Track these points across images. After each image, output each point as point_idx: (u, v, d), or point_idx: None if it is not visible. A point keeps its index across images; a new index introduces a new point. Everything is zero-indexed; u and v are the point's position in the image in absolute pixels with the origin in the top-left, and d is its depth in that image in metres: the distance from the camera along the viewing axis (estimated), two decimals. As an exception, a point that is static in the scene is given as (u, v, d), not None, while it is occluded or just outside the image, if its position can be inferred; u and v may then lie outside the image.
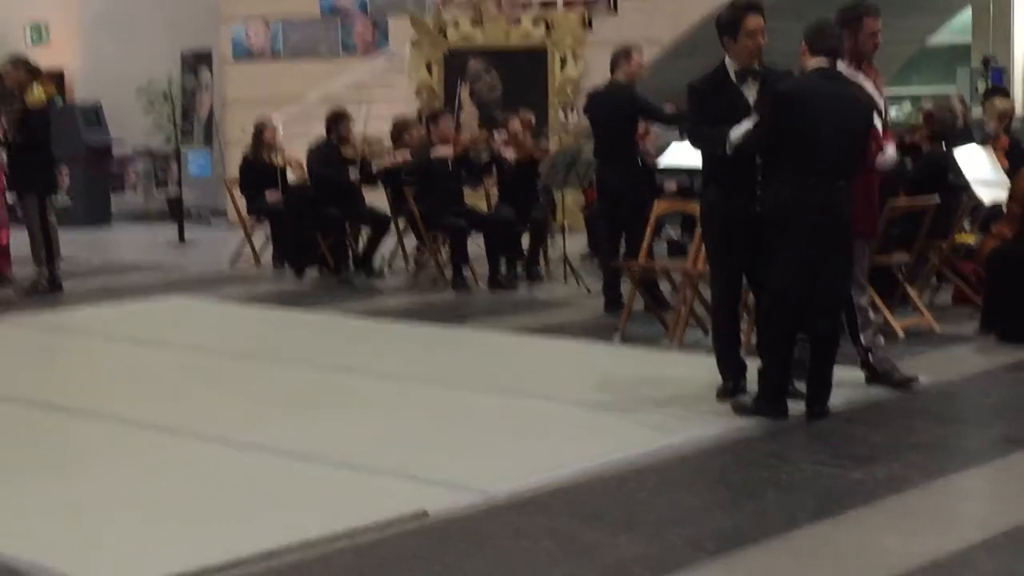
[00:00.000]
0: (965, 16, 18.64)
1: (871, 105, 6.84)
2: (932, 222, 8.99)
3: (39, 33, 20.38)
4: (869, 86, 7.00)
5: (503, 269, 11.56)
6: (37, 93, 11.58)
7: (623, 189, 9.99)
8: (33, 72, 11.74)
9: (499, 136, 11.99)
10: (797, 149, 6.46)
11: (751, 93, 6.86)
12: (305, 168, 12.70)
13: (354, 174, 12.17)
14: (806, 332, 6.68)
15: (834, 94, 6.58)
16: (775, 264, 6.56)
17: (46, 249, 11.57)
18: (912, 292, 9.00)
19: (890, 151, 7.41)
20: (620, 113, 10.08)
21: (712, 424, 6.49)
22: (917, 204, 8.92)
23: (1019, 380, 7.38)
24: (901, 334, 8.52)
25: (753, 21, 6.88)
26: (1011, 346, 8.15)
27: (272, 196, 13.00)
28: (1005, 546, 4.71)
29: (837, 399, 6.68)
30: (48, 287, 11.54)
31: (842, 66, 6.84)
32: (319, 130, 12.75)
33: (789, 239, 6.47)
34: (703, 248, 8.60)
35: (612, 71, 10.22)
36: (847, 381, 7.04)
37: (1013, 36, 17.81)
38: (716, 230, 6.96)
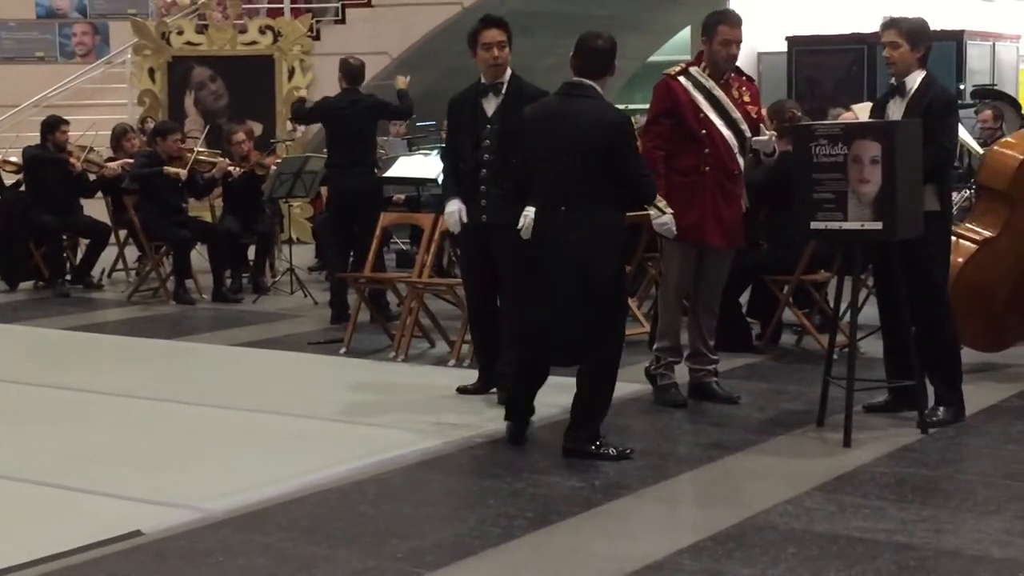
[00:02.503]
0: (684, 35, 19.34)
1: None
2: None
3: None
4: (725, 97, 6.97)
5: (228, 281, 11.36)
6: None
7: (359, 198, 9.93)
8: None
9: (224, 160, 11.72)
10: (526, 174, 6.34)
11: (491, 107, 7.00)
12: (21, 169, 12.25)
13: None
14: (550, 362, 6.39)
15: (556, 115, 6.24)
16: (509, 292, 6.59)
17: None
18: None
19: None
20: (360, 120, 10.04)
21: (435, 435, 6.49)
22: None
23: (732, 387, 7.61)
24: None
25: (489, 34, 7.01)
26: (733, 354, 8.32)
27: None
28: (712, 548, 4.86)
29: (555, 409, 6.76)
30: None
31: (697, 73, 6.93)
32: (34, 136, 12.29)
33: (514, 267, 6.48)
34: (429, 260, 8.69)
35: (351, 81, 10.16)
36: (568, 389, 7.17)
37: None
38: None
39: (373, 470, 5.91)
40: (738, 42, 7.03)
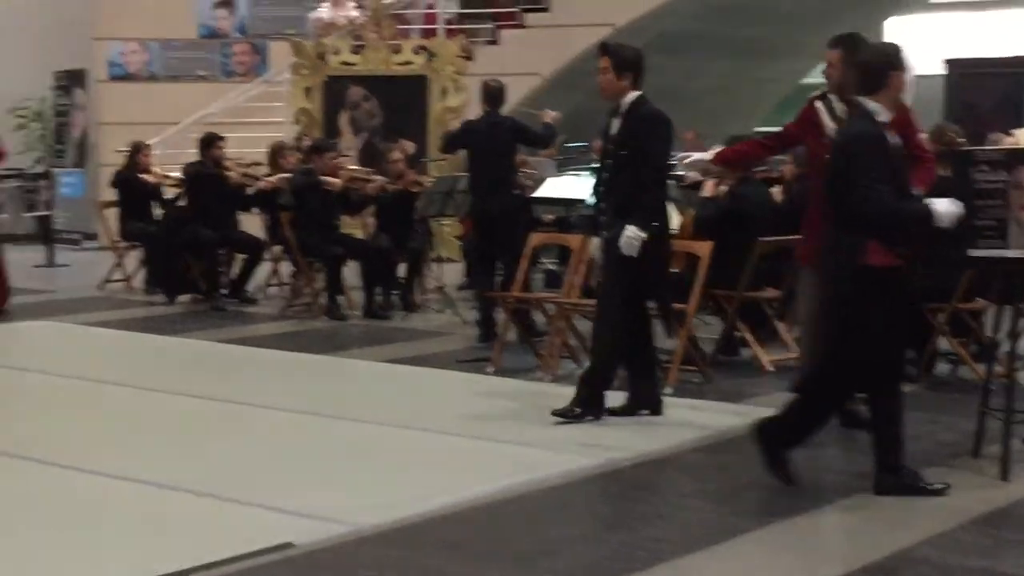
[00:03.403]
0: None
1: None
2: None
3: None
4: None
5: (379, 298, 11.51)
6: None
7: (499, 219, 10.05)
8: None
9: (379, 178, 11.93)
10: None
11: (614, 128, 7.30)
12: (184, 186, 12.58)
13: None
14: None
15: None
16: None
17: None
18: (781, 327, 9.13)
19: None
20: (500, 143, 10.16)
21: (581, 456, 6.49)
22: (785, 241, 9.05)
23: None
24: (771, 368, 8.65)
25: (599, 62, 7.31)
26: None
27: None
28: (864, 580, 4.78)
29: (698, 433, 6.72)
30: None
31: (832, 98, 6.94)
32: (194, 153, 12.61)
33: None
34: (575, 280, 8.70)
35: (491, 104, 10.29)
36: (717, 415, 7.12)
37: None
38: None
39: (520, 490, 5.93)
40: (829, 63, 7.01)
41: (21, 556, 5.02)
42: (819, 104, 7.05)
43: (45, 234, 16.04)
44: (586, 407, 7.23)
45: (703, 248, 8.33)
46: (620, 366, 7.42)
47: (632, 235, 7.06)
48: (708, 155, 7.56)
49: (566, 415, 7.19)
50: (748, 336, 8.92)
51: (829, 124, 6.94)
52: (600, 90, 7.38)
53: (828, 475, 6.32)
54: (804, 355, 7.31)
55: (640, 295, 7.31)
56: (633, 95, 7.28)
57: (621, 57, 7.31)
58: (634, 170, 7.17)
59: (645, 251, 7.08)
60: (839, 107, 6.92)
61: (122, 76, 17.91)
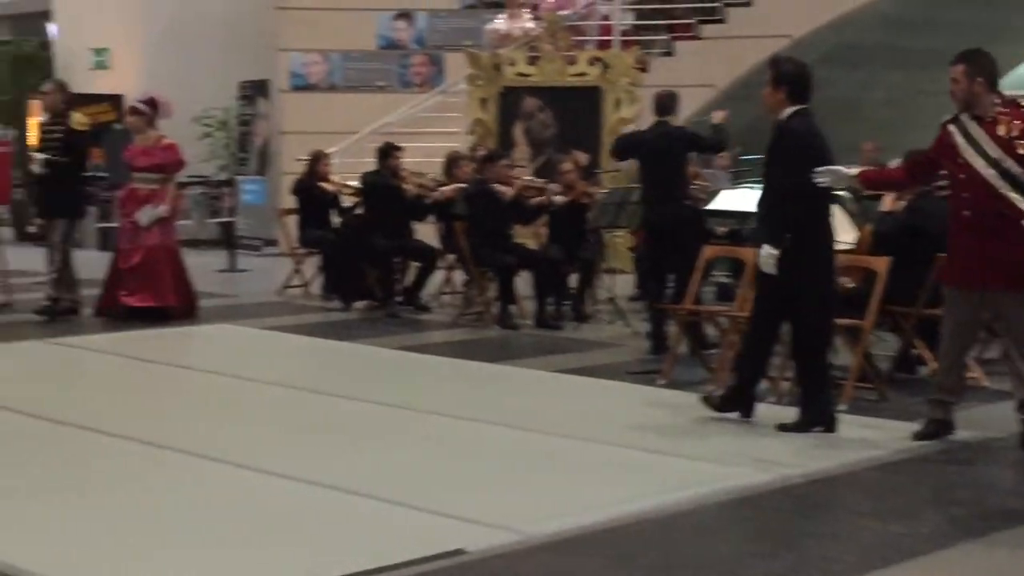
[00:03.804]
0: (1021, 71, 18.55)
1: None
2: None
3: (101, 58, 20.64)
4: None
5: (550, 308, 11.56)
6: (79, 118, 11.79)
7: (671, 230, 10.02)
8: (69, 98, 12.01)
9: (553, 186, 12.02)
10: None
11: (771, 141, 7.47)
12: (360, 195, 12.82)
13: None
14: None
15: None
16: None
17: (68, 273, 11.62)
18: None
19: None
20: (671, 153, 10.14)
21: (753, 471, 6.44)
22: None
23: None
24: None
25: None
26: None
27: None
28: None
29: (873, 451, 6.61)
30: (67, 311, 11.54)
31: (964, 118, 6.95)
32: (372, 162, 12.83)
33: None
34: (748, 293, 8.61)
35: (661, 113, 10.28)
36: (892, 434, 6.99)
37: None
38: None
39: (691, 504, 5.91)
40: (953, 79, 6.95)
41: (199, 555, 5.17)
42: (952, 127, 7.01)
43: (228, 240, 16.50)
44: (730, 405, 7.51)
45: (880, 263, 8.19)
46: (758, 377, 7.57)
47: (765, 253, 7.16)
48: (853, 171, 7.48)
49: (793, 428, 7.24)
50: (925, 353, 8.73)
51: (963, 145, 6.90)
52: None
53: (1010, 499, 6.16)
54: (943, 371, 7.24)
55: (782, 310, 7.32)
56: (789, 110, 7.26)
57: (780, 70, 7.35)
58: (778, 184, 7.25)
59: (789, 267, 7.11)
60: (971, 125, 6.91)
61: (303, 86, 18.33)
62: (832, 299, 7.42)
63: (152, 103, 12.02)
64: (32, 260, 12.98)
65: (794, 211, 7.19)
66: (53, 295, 11.52)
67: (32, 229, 13.06)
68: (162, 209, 11.65)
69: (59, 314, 11.43)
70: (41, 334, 10.72)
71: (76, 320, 11.46)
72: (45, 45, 22.19)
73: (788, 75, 7.30)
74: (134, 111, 12.12)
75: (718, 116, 10.58)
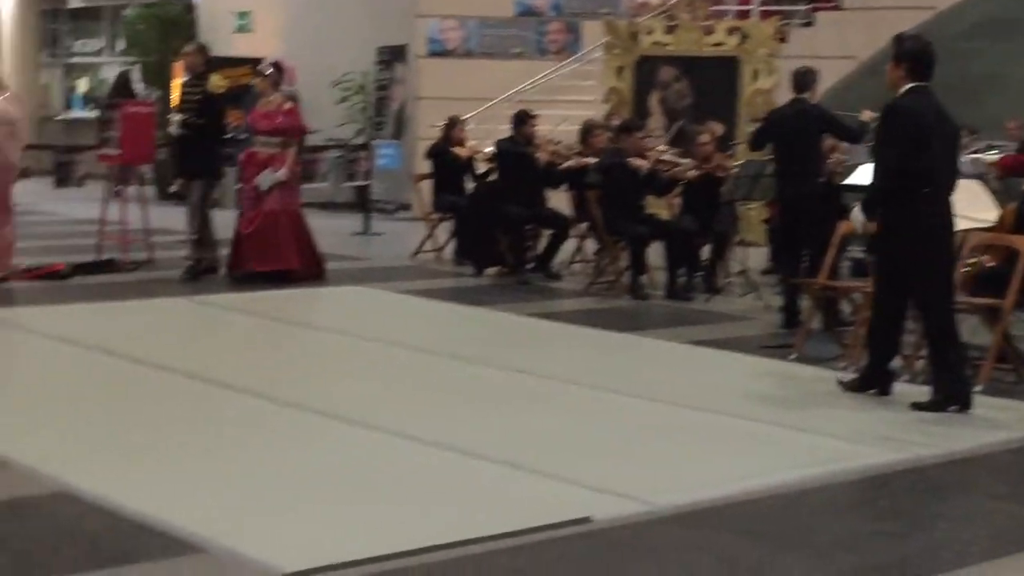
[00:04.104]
0: None
1: None
2: None
3: (243, 21, 20.97)
4: None
5: (682, 279, 11.50)
6: (216, 80, 12.01)
7: (804, 205, 9.92)
8: (209, 60, 12.23)
9: (686, 161, 11.94)
10: None
11: None
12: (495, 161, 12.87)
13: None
14: None
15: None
16: None
17: (207, 233, 11.86)
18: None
19: None
20: (806, 130, 10.02)
21: (884, 450, 6.36)
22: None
23: None
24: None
25: None
26: None
27: None
28: None
29: (1009, 433, 6.47)
30: (208, 270, 11.78)
31: None
32: (506, 129, 12.87)
33: None
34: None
35: (798, 90, 10.16)
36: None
37: None
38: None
39: (821, 480, 5.86)
40: None
41: (328, 515, 5.25)
42: None
43: (362, 203, 16.69)
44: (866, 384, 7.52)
45: (1022, 242, 8.00)
46: (891, 355, 7.55)
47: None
48: (992, 157, 7.39)
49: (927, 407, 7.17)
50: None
51: None
52: None
53: None
54: None
55: (900, 288, 7.30)
56: (906, 87, 7.15)
57: (902, 47, 7.30)
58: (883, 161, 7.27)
59: (900, 246, 7.15)
60: None
61: (440, 52, 18.43)
62: (948, 279, 7.28)
63: (277, 66, 12.15)
64: (174, 219, 13.30)
65: (896, 188, 7.10)
66: (194, 255, 11.77)
67: (173, 189, 13.30)
68: (281, 173, 11.62)
69: (200, 273, 11.68)
70: (180, 291, 10.97)
71: (214, 279, 11.70)
72: (190, 8, 22.62)
73: (909, 52, 7.22)
74: (258, 74, 12.25)
75: (867, 115, 10.39)
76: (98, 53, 27.55)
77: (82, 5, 27.39)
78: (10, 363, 8.51)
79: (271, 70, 12.03)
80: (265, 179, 11.62)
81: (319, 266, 11.99)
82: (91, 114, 23.44)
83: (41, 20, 27.67)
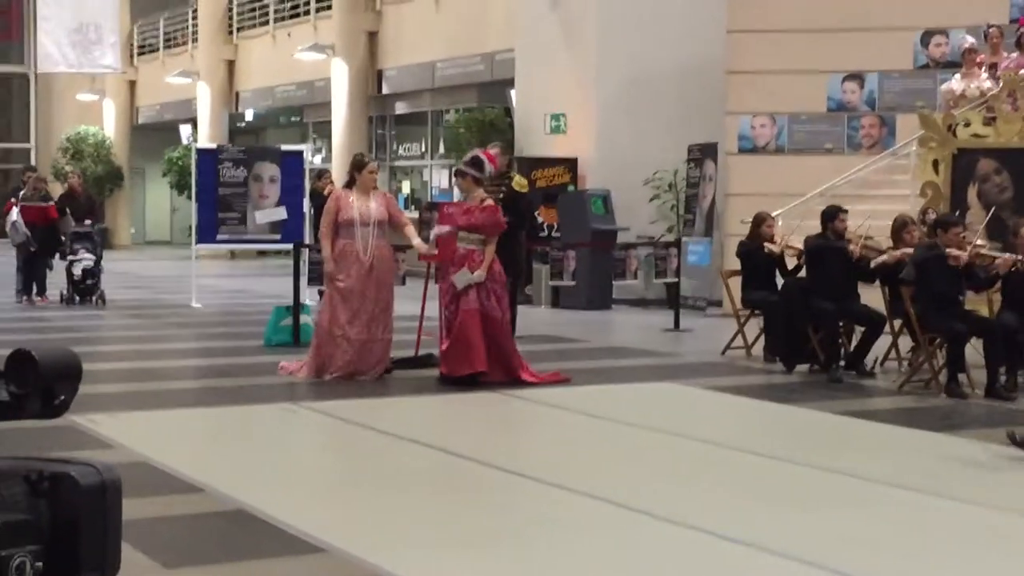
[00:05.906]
0: None
1: None
2: None
3: (558, 123, 21.55)
4: None
5: (1002, 378, 11.10)
6: (518, 180, 12.38)
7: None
8: (511, 160, 12.65)
9: (1012, 257, 11.56)
10: None
11: None
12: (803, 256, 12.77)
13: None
14: None
15: None
16: None
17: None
18: None
19: None
20: None
21: None
22: None
23: None
24: None
25: None
26: None
27: None
28: None
29: None
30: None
31: None
32: (815, 225, 12.78)
33: None
34: None
35: None
36: None
37: None
38: None
39: None
40: None
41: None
42: None
43: (673, 299, 16.80)
44: None
45: None
46: None
47: None
48: None
49: None
50: None
51: None
52: None
53: None
54: None
55: None
56: None
57: None
58: None
59: None
60: None
61: (750, 149, 18.47)
62: None
63: (475, 163, 11.57)
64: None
65: None
66: None
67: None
68: (477, 275, 11.15)
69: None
70: (494, 387, 11.24)
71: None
72: (507, 111, 23.42)
73: None
74: (458, 172, 11.83)
75: None
76: (420, 156, 28.82)
77: (406, 111, 28.75)
78: (363, 458, 8.94)
79: (469, 168, 11.54)
80: (461, 279, 11.19)
81: (512, 374, 11.34)
82: (413, 215, 24.43)
83: (369, 126, 29.19)
